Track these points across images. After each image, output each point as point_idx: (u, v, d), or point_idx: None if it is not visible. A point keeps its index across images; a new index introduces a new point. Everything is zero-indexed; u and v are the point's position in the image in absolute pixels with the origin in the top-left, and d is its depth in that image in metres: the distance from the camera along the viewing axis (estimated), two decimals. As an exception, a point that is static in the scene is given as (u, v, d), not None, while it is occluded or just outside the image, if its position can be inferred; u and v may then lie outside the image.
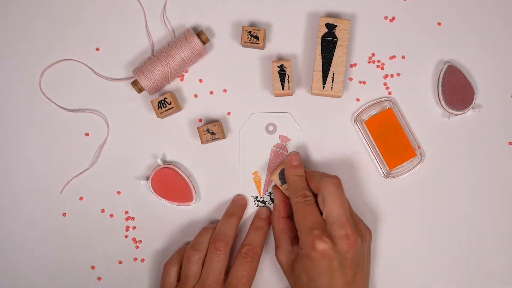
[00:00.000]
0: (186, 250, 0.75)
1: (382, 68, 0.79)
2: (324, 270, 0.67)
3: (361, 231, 0.71)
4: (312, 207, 0.70)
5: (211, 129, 0.77)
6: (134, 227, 0.79)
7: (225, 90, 0.79)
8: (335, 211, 0.69)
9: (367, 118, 0.78)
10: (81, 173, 0.80)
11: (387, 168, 0.78)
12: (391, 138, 0.77)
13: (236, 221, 0.76)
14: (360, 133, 0.78)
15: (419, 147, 0.78)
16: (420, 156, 0.78)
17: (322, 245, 0.67)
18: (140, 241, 0.79)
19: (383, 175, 0.78)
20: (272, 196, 0.79)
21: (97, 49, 0.80)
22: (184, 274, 0.73)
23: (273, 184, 0.77)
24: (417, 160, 0.78)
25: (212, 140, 0.77)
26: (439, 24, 0.79)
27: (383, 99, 0.78)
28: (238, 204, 0.78)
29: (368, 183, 0.78)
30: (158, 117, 0.77)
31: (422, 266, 0.78)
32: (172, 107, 0.76)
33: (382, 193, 0.78)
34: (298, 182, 0.73)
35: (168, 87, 0.79)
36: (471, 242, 0.78)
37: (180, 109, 0.79)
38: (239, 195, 0.79)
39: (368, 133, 0.78)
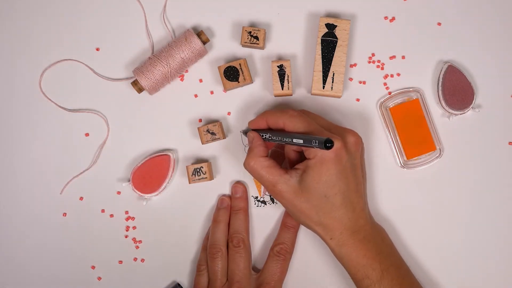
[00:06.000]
0: (208, 249, 0.76)
1: (382, 68, 0.79)
2: (339, 172, 0.67)
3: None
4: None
5: (211, 129, 0.77)
6: (134, 227, 0.79)
7: (225, 90, 0.79)
8: (324, 121, 0.72)
9: (392, 105, 0.78)
10: (81, 173, 0.80)
11: (405, 158, 0.77)
12: (413, 129, 0.77)
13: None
14: (383, 119, 0.78)
15: (439, 142, 0.78)
16: (439, 151, 0.77)
17: (336, 143, 0.66)
18: (140, 241, 0.79)
19: (399, 165, 0.78)
20: (270, 196, 0.79)
21: (97, 49, 0.80)
22: (212, 273, 0.75)
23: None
24: (435, 155, 0.77)
25: (212, 140, 0.77)
26: (439, 24, 0.79)
27: (410, 89, 0.78)
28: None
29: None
30: (190, 183, 0.77)
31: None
32: (206, 177, 0.77)
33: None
34: None
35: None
36: (471, 242, 0.78)
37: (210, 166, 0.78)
38: (223, 195, 0.79)
39: (392, 120, 0.77)
